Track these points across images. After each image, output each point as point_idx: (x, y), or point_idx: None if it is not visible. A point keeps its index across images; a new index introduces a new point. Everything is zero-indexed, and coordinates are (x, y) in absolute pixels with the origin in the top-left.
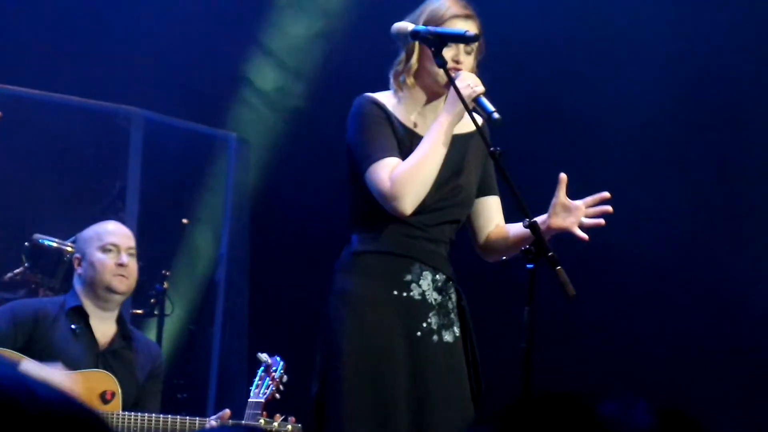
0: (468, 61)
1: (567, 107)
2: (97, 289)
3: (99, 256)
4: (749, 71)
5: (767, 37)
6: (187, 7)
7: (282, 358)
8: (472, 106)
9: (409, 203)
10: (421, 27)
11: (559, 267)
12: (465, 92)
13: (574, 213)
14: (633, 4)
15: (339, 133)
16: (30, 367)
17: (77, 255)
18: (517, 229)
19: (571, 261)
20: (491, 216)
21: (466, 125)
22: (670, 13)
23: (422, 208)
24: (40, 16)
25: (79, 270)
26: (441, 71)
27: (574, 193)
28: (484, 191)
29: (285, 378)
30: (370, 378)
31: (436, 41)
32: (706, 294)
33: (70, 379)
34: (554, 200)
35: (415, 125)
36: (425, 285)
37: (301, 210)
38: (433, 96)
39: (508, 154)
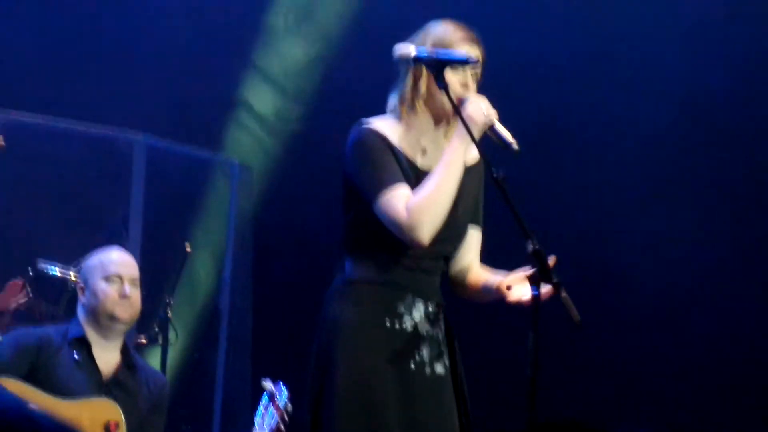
0: (473, 85)
1: (576, 130)
2: (100, 318)
3: (102, 285)
4: (762, 90)
5: None
6: (187, 33)
7: (286, 385)
8: (487, 132)
9: (427, 233)
10: (423, 50)
11: (563, 293)
12: (479, 118)
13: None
14: (643, 27)
15: (340, 157)
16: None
17: (80, 284)
18: (488, 280)
19: (576, 287)
20: (469, 247)
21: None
22: (682, 35)
23: None
24: (41, 43)
25: (82, 299)
26: (447, 97)
27: (582, 219)
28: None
29: (290, 407)
30: (363, 409)
31: (438, 65)
32: (717, 321)
33: (75, 407)
34: (516, 275)
35: (423, 152)
36: (417, 316)
37: (303, 235)
38: (438, 122)
39: (513, 179)
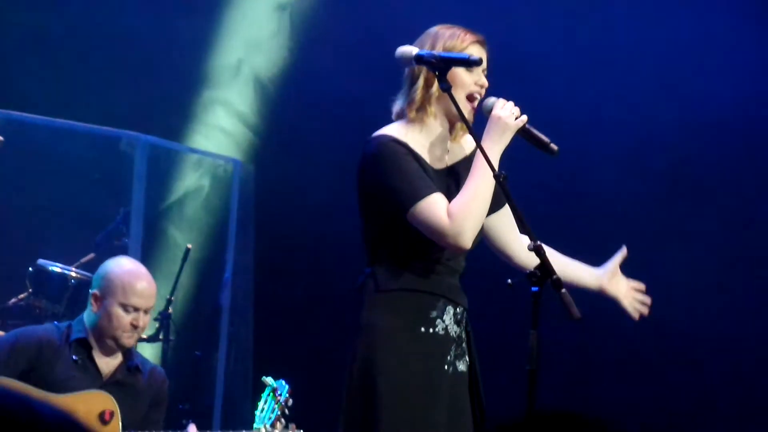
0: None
1: (584, 141)
2: (105, 337)
3: (118, 311)
4: None
5: None
6: (188, 34)
7: (287, 382)
8: (519, 135)
9: (469, 238)
10: (425, 51)
11: (563, 290)
12: (510, 121)
13: (626, 289)
14: (657, 43)
15: (345, 156)
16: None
17: (96, 291)
18: (575, 269)
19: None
20: (511, 229)
21: (464, 149)
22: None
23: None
24: (43, 43)
25: (93, 307)
26: (464, 98)
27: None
28: (495, 207)
29: (290, 402)
30: (411, 415)
31: (440, 65)
32: (717, 315)
33: (69, 399)
34: (610, 266)
35: (439, 153)
36: (448, 319)
37: (305, 235)
38: (453, 123)
39: (516, 180)
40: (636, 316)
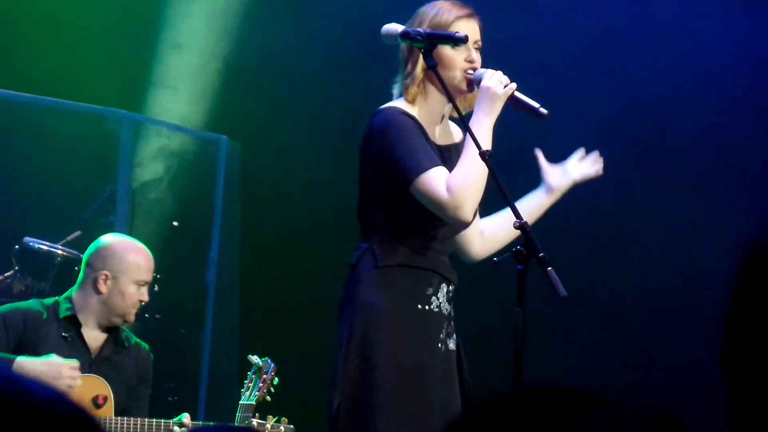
0: (479, 58)
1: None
2: (112, 315)
3: (132, 289)
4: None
5: None
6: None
7: (272, 361)
8: (510, 103)
9: (469, 211)
10: (410, 28)
11: (549, 268)
12: (499, 90)
13: (569, 171)
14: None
15: (331, 134)
16: (25, 363)
17: (107, 272)
18: (500, 224)
19: (562, 262)
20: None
21: (450, 134)
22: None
23: (441, 221)
24: (29, 19)
25: (101, 287)
26: (459, 74)
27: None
28: None
29: (276, 380)
30: (408, 392)
31: (426, 42)
32: (706, 297)
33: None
34: (543, 173)
35: (439, 130)
36: (441, 297)
37: (292, 212)
38: (452, 98)
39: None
40: (599, 172)
